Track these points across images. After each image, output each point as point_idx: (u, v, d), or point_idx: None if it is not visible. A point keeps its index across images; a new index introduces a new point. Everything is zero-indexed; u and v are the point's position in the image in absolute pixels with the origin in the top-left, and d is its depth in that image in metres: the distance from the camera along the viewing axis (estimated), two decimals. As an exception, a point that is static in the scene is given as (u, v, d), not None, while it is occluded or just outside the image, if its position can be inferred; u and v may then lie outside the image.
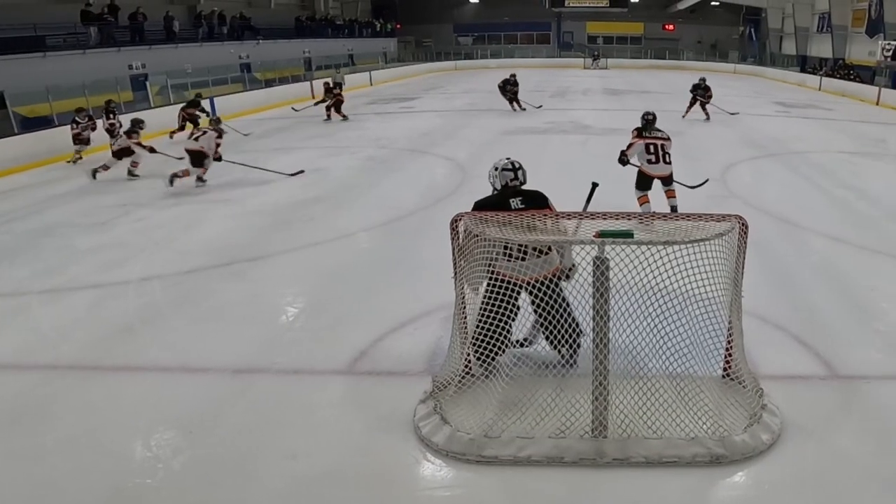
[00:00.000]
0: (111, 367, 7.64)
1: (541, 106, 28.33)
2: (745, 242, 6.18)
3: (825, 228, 12.34)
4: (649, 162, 11.90)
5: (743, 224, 6.09)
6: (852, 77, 42.56)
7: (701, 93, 26.75)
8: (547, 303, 6.33)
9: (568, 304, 6.49)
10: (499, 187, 7.03)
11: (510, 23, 71.55)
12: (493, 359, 6.48)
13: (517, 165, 7.05)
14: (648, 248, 5.62)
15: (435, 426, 6.09)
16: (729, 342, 6.54)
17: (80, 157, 19.58)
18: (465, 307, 6.49)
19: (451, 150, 20.41)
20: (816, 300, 9.19)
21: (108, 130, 19.98)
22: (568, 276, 6.55)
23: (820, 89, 42.50)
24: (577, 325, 6.42)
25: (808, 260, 10.86)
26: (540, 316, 6.65)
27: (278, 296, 9.57)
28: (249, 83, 35.06)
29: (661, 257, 5.77)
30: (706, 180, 13.53)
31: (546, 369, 6.56)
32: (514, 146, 20.47)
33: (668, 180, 12.16)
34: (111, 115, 20.33)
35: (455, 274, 6.41)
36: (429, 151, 20.35)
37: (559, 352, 6.54)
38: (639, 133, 12.10)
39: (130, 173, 17.53)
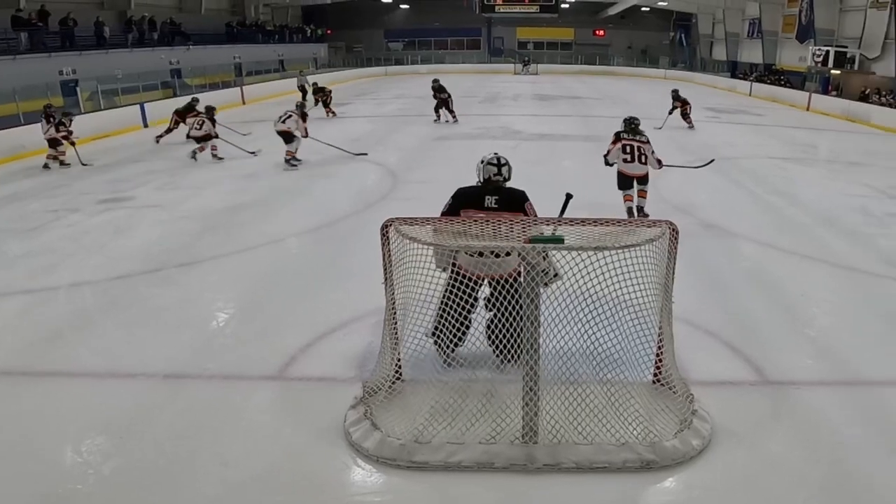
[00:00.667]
0: (41, 373, 7.52)
1: (456, 121, 27.41)
2: (675, 248, 6.20)
3: (756, 234, 12.49)
4: (625, 161, 12.60)
5: (673, 229, 6.12)
6: (783, 82, 43.40)
7: (678, 104, 27.65)
8: (499, 301, 6.24)
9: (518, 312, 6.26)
10: (482, 180, 7.17)
11: (441, 28, 71.70)
12: (452, 349, 6.57)
13: (502, 161, 7.13)
14: (579, 254, 5.64)
15: (365, 432, 6.07)
16: (659, 348, 6.57)
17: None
18: (395, 312, 6.46)
19: (382, 155, 20.44)
20: (747, 306, 9.27)
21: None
22: (547, 284, 6.24)
23: (750, 95, 43.22)
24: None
25: (739, 266, 10.98)
26: (490, 313, 6.64)
27: (209, 301, 9.50)
28: (180, 89, 34.69)
29: (591, 263, 5.80)
30: (712, 160, 14.86)
31: (477, 373, 6.53)
32: (445, 152, 20.86)
33: (642, 180, 12.75)
34: (51, 119, 19.97)
35: (385, 279, 6.38)
36: (359, 157, 20.29)
37: (494, 352, 6.55)
38: (617, 137, 12.78)
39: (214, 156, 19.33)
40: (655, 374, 6.70)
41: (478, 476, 5.68)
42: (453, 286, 6.31)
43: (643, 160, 12.52)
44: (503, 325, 6.20)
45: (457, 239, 5.97)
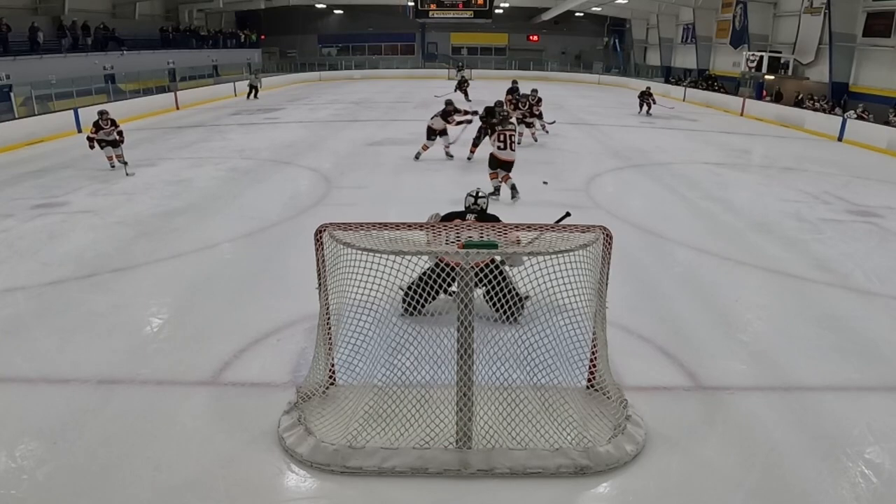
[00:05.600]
0: (-28, 379, 7.45)
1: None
2: (609, 253, 6.22)
3: (690, 239, 12.59)
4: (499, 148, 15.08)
5: (607, 235, 6.14)
6: (717, 88, 43.69)
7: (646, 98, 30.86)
8: (488, 281, 6.89)
9: (508, 281, 6.96)
10: (464, 207, 9.26)
11: (374, 34, 71.17)
12: (415, 310, 6.81)
13: (480, 194, 9.32)
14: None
15: (299, 437, 6.07)
16: (593, 353, 6.60)
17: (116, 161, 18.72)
18: (329, 318, 6.45)
19: (316, 161, 20.34)
20: (681, 311, 9.34)
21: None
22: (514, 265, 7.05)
23: (684, 100, 43.22)
24: (518, 296, 6.94)
25: (673, 271, 11.03)
26: (485, 291, 7.38)
27: (142, 307, 9.40)
28: (114, 94, 34.25)
29: (525, 268, 5.85)
30: (553, 121, 15.26)
31: (411, 378, 6.51)
32: (379, 157, 20.79)
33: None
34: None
35: (319, 284, 6.37)
36: (293, 162, 20.22)
37: (499, 317, 6.88)
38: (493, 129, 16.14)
39: None
40: (589, 380, 6.73)
41: (412, 481, 5.69)
42: (435, 268, 6.44)
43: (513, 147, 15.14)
44: (501, 297, 6.71)
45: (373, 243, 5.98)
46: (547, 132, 25.10)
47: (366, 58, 70.26)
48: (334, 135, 25.90)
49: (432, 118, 19.90)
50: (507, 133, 15.03)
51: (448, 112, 19.64)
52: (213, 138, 25.12)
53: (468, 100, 29.82)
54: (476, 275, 6.67)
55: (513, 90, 25.72)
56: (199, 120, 28.46)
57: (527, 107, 23.56)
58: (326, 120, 29.81)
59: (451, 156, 19.88)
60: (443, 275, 6.35)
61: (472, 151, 19.37)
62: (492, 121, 17.78)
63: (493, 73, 62.56)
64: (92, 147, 18.38)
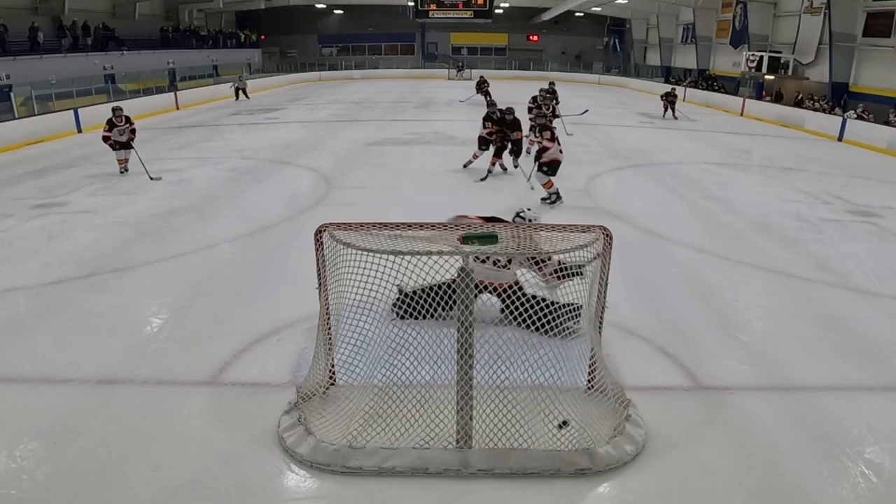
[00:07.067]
0: (-28, 379, 7.44)
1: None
2: (609, 253, 6.19)
3: (690, 239, 12.57)
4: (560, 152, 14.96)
5: (607, 235, 6.11)
6: (717, 88, 43.76)
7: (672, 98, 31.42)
8: (514, 305, 6.67)
9: (540, 301, 6.76)
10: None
11: (375, 34, 71.21)
12: (410, 316, 6.83)
13: (520, 213, 9.08)
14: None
15: (299, 437, 6.06)
16: (593, 353, 6.57)
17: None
18: (329, 318, 6.43)
19: (316, 160, 20.34)
20: (681, 311, 9.33)
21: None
22: (579, 274, 6.69)
23: (684, 100, 42.70)
24: (559, 308, 6.78)
25: (673, 271, 11.03)
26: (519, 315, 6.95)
27: (142, 307, 9.40)
28: (114, 94, 34.22)
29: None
30: (586, 110, 14.79)
31: (411, 378, 6.49)
32: (379, 157, 20.73)
33: None
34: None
35: (319, 284, 6.36)
36: (293, 162, 20.22)
37: (547, 334, 6.75)
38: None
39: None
40: (589, 380, 6.68)
41: (412, 481, 5.69)
42: (452, 283, 6.39)
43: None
44: (538, 316, 6.59)
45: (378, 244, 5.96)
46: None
47: (366, 58, 70.33)
48: (334, 135, 25.88)
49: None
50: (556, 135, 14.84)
51: (489, 115, 18.06)
52: (213, 138, 25.16)
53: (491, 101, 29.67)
54: (507, 306, 6.77)
55: (549, 92, 25.13)
56: (199, 120, 28.41)
57: (550, 109, 22.71)
58: (326, 120, 29.85)
59: (505, 168, 18.25)
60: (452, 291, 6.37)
61: (492, 163, 18.13)
62: (506, 130, 17.35)
63: (493, 74, 62.44)
64: (113, 147, 18.17)
